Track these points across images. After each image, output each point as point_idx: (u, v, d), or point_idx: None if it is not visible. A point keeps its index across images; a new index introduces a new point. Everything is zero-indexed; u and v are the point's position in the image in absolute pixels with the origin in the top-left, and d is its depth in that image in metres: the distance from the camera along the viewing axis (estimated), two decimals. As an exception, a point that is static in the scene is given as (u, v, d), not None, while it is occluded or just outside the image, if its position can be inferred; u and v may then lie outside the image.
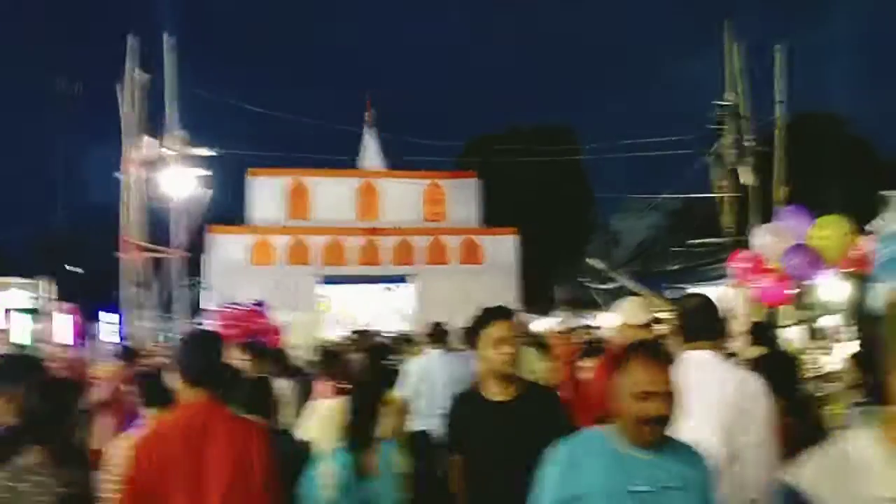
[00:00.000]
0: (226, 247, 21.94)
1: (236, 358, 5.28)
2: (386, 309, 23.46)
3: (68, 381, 3.23)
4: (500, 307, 3.17)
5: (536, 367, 6.73)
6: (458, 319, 15.53)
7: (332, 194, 22.72)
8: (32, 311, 21.88)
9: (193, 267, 22.45)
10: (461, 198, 23.36)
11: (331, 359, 5.80)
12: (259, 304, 11.52)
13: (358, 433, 3.33)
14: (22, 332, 21.05)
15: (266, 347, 6.79)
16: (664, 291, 12.14)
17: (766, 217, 10.86)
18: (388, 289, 23.54)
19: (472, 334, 3.16)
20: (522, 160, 25.92)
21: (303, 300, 20.39)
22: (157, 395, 3.27)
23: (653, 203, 37.17)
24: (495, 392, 3.08)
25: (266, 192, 22.55)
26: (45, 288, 22.05)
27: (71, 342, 18.99)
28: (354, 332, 12.11)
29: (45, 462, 2.45)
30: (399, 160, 24.16)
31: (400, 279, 23.05)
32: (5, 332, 20.45)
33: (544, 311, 20.28)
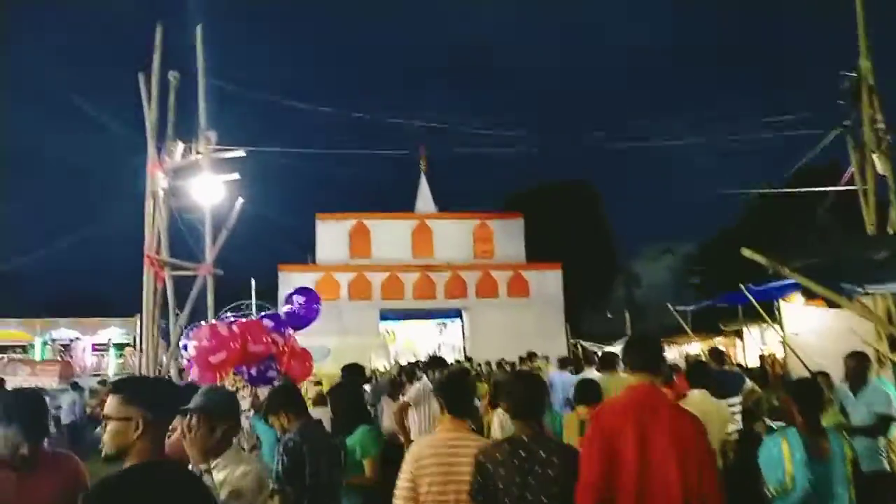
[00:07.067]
0: (294, 282, 23.56)
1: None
2: (440, 340, 25.22)
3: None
4: None
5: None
6: (508, 350, 17.29)
7: (390, 234, 24.72)
8: (120, 347, 23.33)
9: (229, 284, 21.51)
10: (508, 236, 25.40)
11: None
12: (270, 316, 7.59)
13: (810, 421, 3.88)
14: (110, 365, 22.53)
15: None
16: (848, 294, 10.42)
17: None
18: (443, 324, 25.35)
19: None
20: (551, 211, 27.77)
21: (364, 332, 22.00)
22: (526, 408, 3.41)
23: (666, 248, 39.51)
24: None
25: (331, 234, 24.50)
26: (134, 325, 23.38)
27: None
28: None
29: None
30: (449, 204, 26.27)
31: (455, 314, 24.80)
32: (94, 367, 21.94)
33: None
